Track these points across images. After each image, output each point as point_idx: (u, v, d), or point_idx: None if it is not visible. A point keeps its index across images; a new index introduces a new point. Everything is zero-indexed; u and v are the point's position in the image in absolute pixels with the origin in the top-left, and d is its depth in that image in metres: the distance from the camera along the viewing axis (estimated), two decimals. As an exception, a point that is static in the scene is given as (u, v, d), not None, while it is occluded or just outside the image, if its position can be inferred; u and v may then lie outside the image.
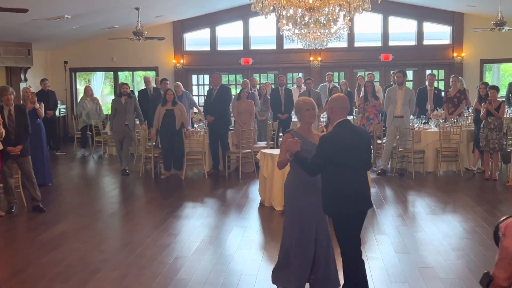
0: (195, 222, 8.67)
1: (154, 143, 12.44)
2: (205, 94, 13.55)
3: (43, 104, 11.40)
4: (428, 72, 18.08)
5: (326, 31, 12.02)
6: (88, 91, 16.12)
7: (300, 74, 18.60)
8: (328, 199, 5.18)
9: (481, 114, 11.30)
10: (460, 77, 13.71)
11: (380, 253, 7.03)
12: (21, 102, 11.36)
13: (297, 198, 5.59)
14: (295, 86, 16.97)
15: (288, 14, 7.50)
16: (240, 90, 12.92)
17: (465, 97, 13.11)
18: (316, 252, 5.62)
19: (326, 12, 7.38)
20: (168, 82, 13.76)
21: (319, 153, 5.11)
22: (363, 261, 5.35)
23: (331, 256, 5.66)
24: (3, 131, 8.86)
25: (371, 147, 5.58)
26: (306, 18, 7.56)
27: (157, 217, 8.93)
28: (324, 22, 7.79)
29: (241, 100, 12.60)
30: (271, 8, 7.20)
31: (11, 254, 7.30)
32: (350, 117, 14.66)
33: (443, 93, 14.17)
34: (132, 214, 9.39)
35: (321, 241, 5.60)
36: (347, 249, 5.24)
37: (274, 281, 5.80)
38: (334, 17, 7.80)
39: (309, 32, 12.27)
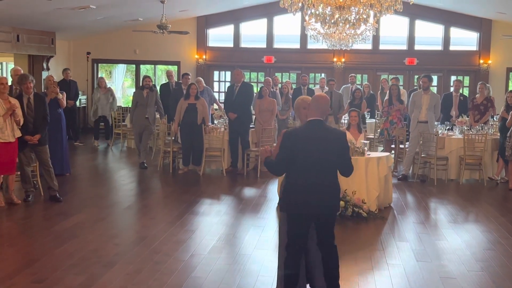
0: (212, 219, 8.54)
1: (173, 138, 12.34)
2: (226, 90, 13.41)
3: (65, 94, 11.32)
4: (453, 78, 17.85)
5: (353, 31, 11.84)
6: (101, 82, 16.00)
7: (323, 75, 18.43)
8: (284, 197, 5.15)
9: (508, 120, 11.06)
10: (487, 85, 13.45)
11: (401, 260, 6.85)
12: (44, 90, 11.30)
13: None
14: (317, 86, 16.80)
15: (317, 12, 7.36)
16: (261, 88, 12.77)
17: (492, 105, 12.86)
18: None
19: (356, 11, 7.23)
20: (189, 76, 13.65)
21: (280, 148, 5.06)
22: (298, 269, 5.20)
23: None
24: (22, 119, 8.80)
25: (348, 151, 5.26)
26: (336, 16, 7.41)
27: (174, 212, 8.82)
28: (354, 21, 7.62)
29: (264, 98, 12.45)
30: (300, 5, 7.04)
31: (26, 243, 7.22)
32: (372, 120, 14.79)
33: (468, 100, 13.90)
34: (149, 208, 9.29)
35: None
36: (288, 245, 5.19)
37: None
38: (364, 16, 7.64)
39: (334, 32, 12.09)
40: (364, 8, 7.19)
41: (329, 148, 5.04)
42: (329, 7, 7.01)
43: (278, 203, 9.32)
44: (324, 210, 5.12)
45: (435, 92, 17.18)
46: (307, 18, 7.99)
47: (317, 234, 5.20)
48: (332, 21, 7.54)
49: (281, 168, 5.11)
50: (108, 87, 16.23)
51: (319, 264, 5.30)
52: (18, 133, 8.81)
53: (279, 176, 5.31)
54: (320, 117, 5.13)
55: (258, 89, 17.01)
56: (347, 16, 7.42)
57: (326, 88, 14.84)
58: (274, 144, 12.09)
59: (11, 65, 17.28)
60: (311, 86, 16.96)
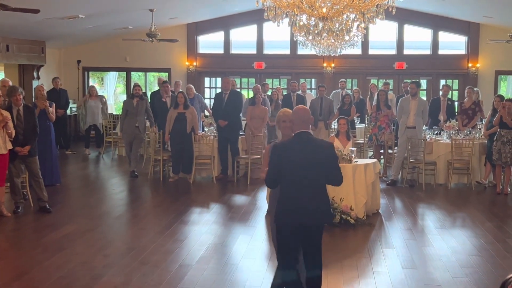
0: (201, 228, 8.60)
1: (166, 146, 12.41)
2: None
3: (54, 106, 11.30)
4: (442, 81, 17.99)
5: (340, 37, 11.92)
6: (92, 91, 16.00)
7: (302, 80, 18.43)
8: (276, 208, 5.22)
9: (495, 119, 11.17)
10: (476, 88, 13.53)
11: (387, 267, 6.92)
12: (34, 100, 11.33)
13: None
14: (308, 92, 16.92)
15: (301, 23, 7.44)
16: (254, 95, 12.85)
17: (480, 109, 12.97)
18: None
19: (340, 21, 7.31)
20: (169, 85, 13.61)
21: (270, 162, 5.17)
22: (296, 276, 5.28)
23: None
24: (13, 131, 8.85)
25: (336, 161, 5.33)
26: (320, 26, 7.48)
27: (164, 222, 8.87)
28: (337, 32, 7.70)
29: (256, 106, 12.53)
30: (284, 16, 7.12)
31: (16, 256, 7.26)
32: (362, 125, 14.88)
33: (456, 104, 14.02)
34: (139, 218, 9.34)
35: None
36: (280, 260, 5.28)
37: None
38: (348, 27, 7.73)
39: (322, 39, 12.18)
40: (347, 19, 7.30)
41: (317, 159, 5.11)
42: (313, 18, 7.09)
43: (267, 211, 9.39)
44: (312, 222, 5.17)
45: (425, 96, 17.38)
46: (292, 30, 8.05)
47: (303, 250, 5.25)
48: (316, 31, 7.64)
49: (272, 182, 5.18)
50: (99, 95, 16.26)
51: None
52: (10, 145, 8.86)
53: (273, 188, 5.42)
54: (305, 129, 5.19)
55: (248, 95, 17.13)
56: (330, 26, 7.52)
57: (299, 92, 14.92)
58: (263, 151, 12.22)
59: (2, 75, 17.27)
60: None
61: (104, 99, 16.24)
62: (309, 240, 5.22)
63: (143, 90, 14.86)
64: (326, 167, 5.15)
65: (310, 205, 5.10)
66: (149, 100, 13.56)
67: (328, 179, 5.22)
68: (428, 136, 12.20)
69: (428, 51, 18.65)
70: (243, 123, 13.15)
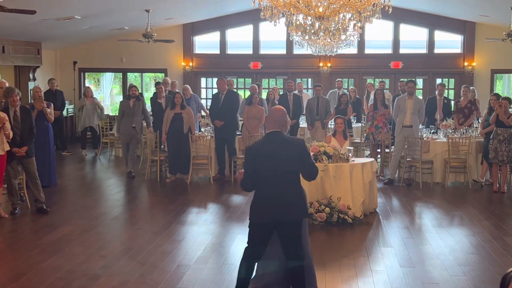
0: (199, 228, 8.59)
1: (162, 146, 12.41)
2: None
3: (52, 107, 11.28)
4: (438, 80, 18.03)
5: (336, 37, 11.94)
6: (88, 92, 15.97)
7: (299, 80, 18.45)
8: (251, 205, 5.37)
9: (491, 118, 11.19)
10: (472, 87, 13.55)
11: (384, 266, 6.92)
12: (31, 101, 11.31)
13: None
14: (304, 91, 16.92)
15: (298, 23, 7.45)
16: (251, 95, 12.85)
17: (476, 108, 13.00)
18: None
19: (336, 20, 7.32)
20: (162, 86, 13.58)
21: (245, 165, 5.28)
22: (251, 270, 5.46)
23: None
24: (11, 132, 8.84)
25: (308, 157, 5.39)
26: (317, 25, 7.50)
27: (161, 222, 8.87)
28: (334, 31, 7.71)
29: (253, 106, 12.53)
30: (280, 15, 7.13)
31: (13, 257, 7.24)
32: (358, 125, 14.91)
33: (452, 103, 14.04)
34: (136, 218, 9.33)
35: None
36: (247, 252, 5.45)
37: None
38: (344, 26, 7.74)
39: (319, 39, 12.20)
40: (343, 19, 7.31)
41: (288, 157, 5.21)
42: (309, 18, 7.10)
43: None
44: (284, 219, 5.26)
45: (421, 95, 17.41)
46: (288, 30, 8.07)
47: (282, 244, 5.33)
48: (313, 31, 7.65)
49: (248, 184, 5.30)
50: (94, 97, 16.22)
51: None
52: (7, 147, 8.84)
53: (250, 191, 5.50)
54: (278, 129, 5.32)
55: (245, 95, 17.14)
56: (327, 26, 7.53)
57: (296, 92, 14.93)
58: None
59: (-2, 76, 17.23)
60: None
61: (100, 105, 16.17)
62: (287, 234, 5.30)
63: (140, 91, 14.83)
64: (299, 163, 5.27)
65: (285, 202, 5.22)
66: (149, 101, 13.54)
67: (303, 174, 5.37)
68: (424, 135, 12.22)
69: (424, 50, 18.68)
70: (240, 123, 13.16)
